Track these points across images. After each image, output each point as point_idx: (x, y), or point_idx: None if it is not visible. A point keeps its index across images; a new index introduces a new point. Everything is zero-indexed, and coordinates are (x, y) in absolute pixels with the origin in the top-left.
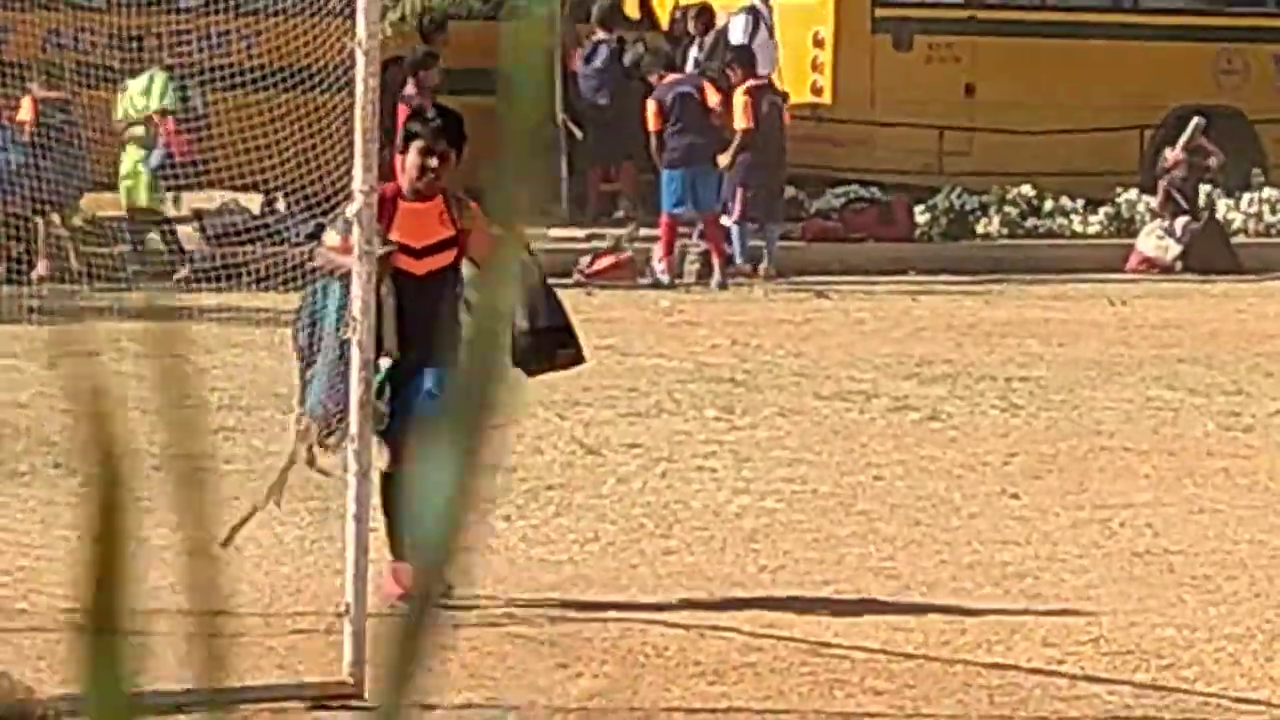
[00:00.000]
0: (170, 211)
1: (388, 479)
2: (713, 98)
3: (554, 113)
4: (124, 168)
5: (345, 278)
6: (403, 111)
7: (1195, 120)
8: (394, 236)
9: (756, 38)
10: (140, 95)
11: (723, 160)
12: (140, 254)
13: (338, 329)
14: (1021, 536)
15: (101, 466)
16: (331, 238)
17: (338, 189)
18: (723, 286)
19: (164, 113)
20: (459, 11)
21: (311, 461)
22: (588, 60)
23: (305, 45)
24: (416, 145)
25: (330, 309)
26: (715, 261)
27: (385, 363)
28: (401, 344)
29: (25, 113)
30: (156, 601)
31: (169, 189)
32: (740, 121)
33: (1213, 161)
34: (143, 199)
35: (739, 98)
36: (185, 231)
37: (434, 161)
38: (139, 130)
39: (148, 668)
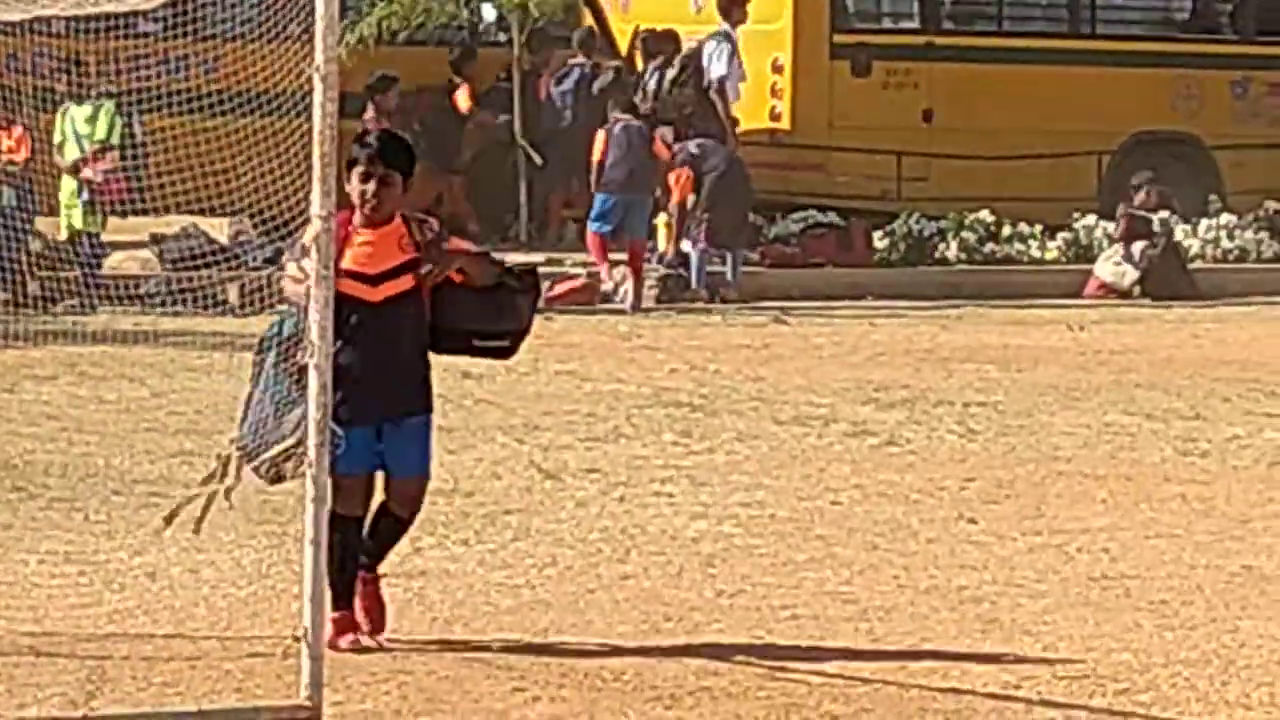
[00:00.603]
0: (105, 237)
1: (336, 521)
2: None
3: (513, 136)
4: (64, 194)
5: (291, 313)
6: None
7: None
8: (345, 264)
9: (731, 65)
10: (85, 123)
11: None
12: (92, 278)
13: (282, 357)
14: (979, 561)
15: None
16: (292, 269)
17: (296, 214)
18: (635, 309)
19: (104, 148)
20: (421, 37)
21: (228, 492)
22: (558, 82)
23: (264, 70)
24: (356, 171)
25: (281, 336)
26: (631, 285)
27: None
28: (360, 377)
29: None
30: (115, 625)
31: (110, 214)
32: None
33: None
34: (78, 223)
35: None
36: (143, 256)
37: (372, 185)
38: (76, 157)
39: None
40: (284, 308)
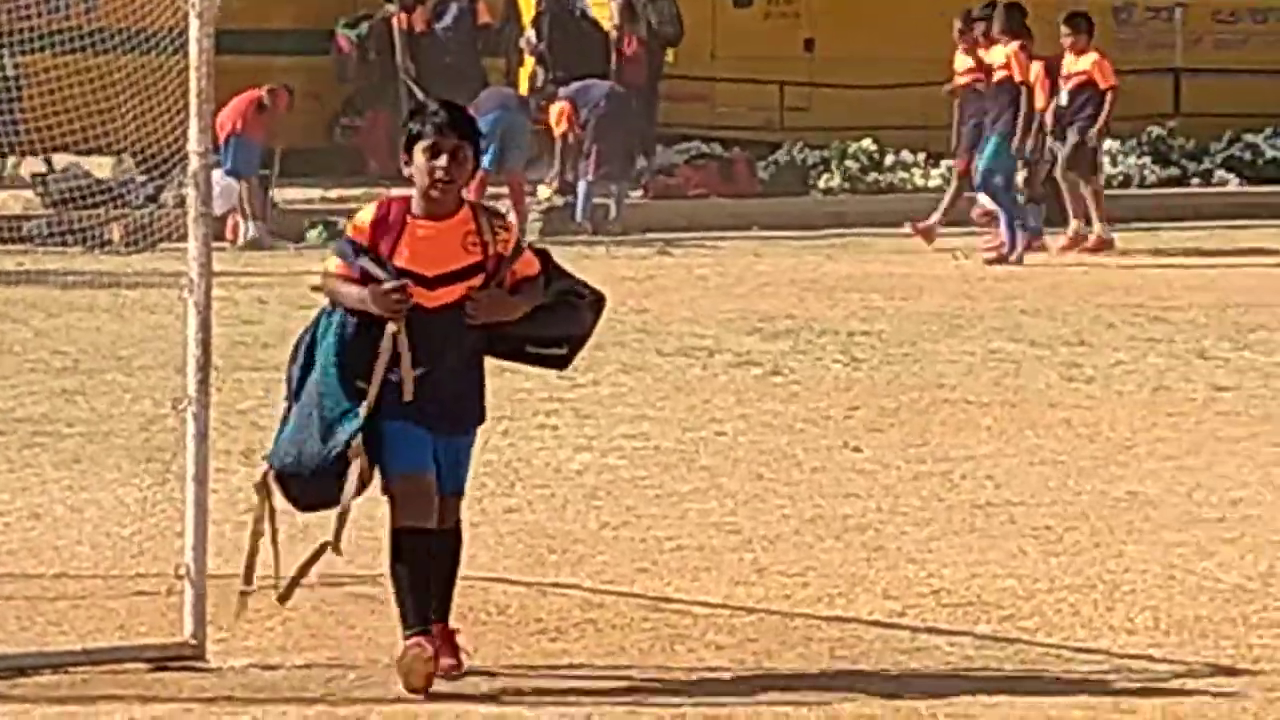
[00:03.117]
0: None
1: (409, 535)
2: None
3: (396, 71)
4: None
5: (350, 314)
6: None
7: None
8: (400, 262)
9: None
10: None
11: None
12: None
13: (325, 375)
14: (863, 490)
15: None
16: (333, 263)
17: (175, 150)
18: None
19: None
20: None
21: (272, 515)
22: (438, 18)
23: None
24: (421, 146)
25: (325, 348)
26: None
27: (362, 410)
28: (418, 393)
29: None
30: None
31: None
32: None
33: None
34: None
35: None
36: (26, 196)
37: (443, 161)
38: None
39: None
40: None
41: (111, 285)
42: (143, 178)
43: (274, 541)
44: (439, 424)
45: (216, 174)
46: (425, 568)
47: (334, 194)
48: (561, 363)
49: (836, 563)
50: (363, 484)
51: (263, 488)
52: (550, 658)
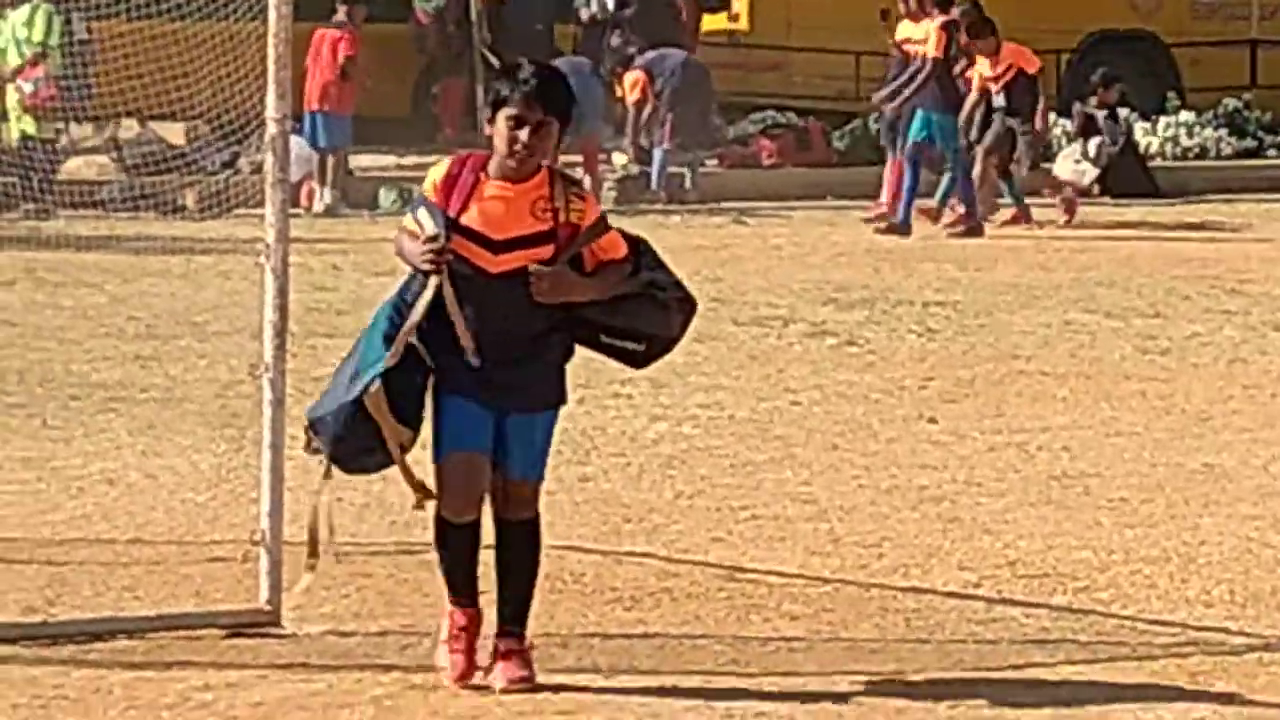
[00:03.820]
0: (62, 142)
1: (446, 529)
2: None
3: (472, 39)
4: (10, 101)
5: (416, 276)
6: (326, 38)
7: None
8: (468, 221)
9: None
10: (22, 26)
11: None
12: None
13: (373, 328)
14: (939, 461)
15: None
16: (408, 219)
17: (252, 117)
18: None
19: (44, 52)
20: None
21: (328, 473)
22: None
23: None
24: (505, 113)
25: (383, 306)
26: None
27: (388, 358)
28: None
29: None
30: (74, 530)
31: (62, 119)
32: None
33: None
34: (32, 129)
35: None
36: (101, 161)
37: (525, 134)
38: (17, 64)
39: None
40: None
41: (186, 251)
42: (219, 143)
43: (327, 510)
44: (505, 400)
45: (293, 140)
46: (466, 556)
47: (409, 161)
48: (638, 360)
49: (912, 533)
50: (399, 445)
51: (309, 447)
52: (625, 626)
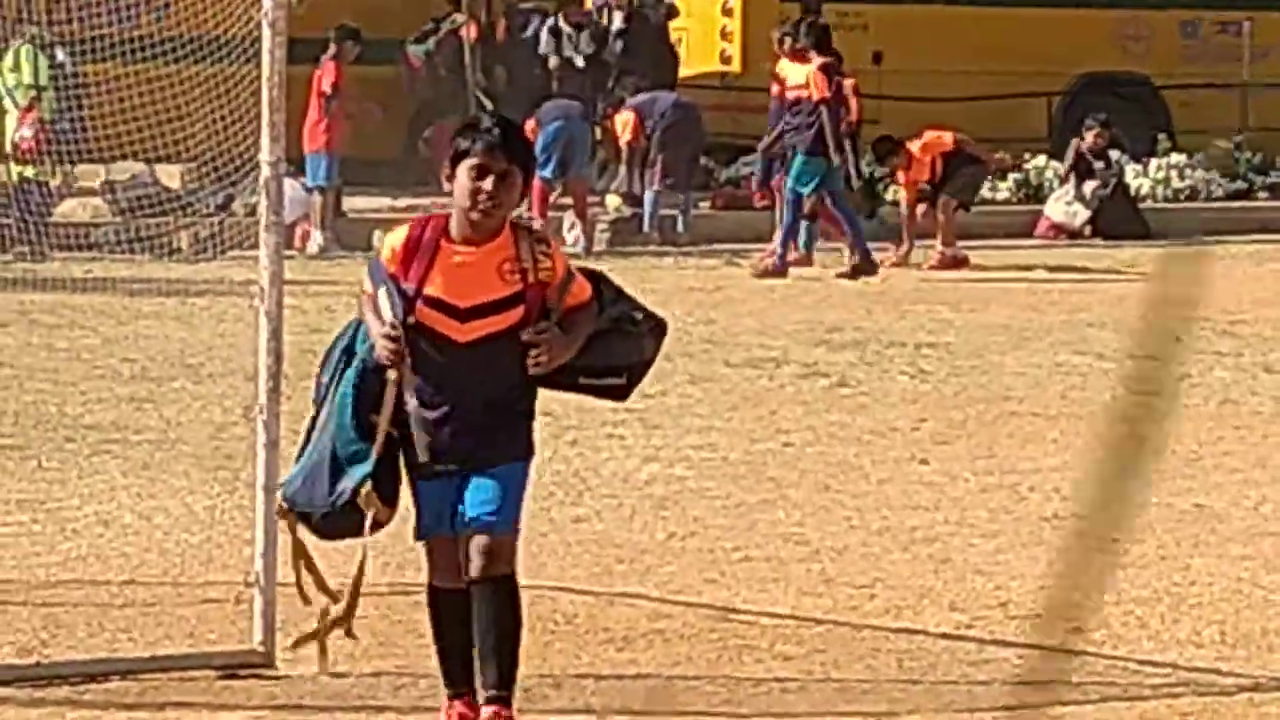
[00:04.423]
0: (56, 182)
1: (436, 594)
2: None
3: (465, 82)
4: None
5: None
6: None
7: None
8: (433, 290)
9: None
10: (10, 73)
11: None
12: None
13: (341, 406)
14: (930, 502)
15: None
16: (366, 281)
17: (245, 159)
18: (587, 251)
19: (38, 95)
20: None
21: (300, 551)
22: (523, 29)
23: (214, 17)
24: (467, 164)
25: (347, 376)
26: (580, 228)
27: (373, 453)
28: (438, 425)
29: None
30: (68, 572)
31: (57, 162)
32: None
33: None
34: (30, 172)
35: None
36: (95, 203)
37: (489, 183)
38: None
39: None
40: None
41: (180, 293)
42: (213, 186)
43: (310, 567)
44: (468, 461)
45: (287, 183)
46: (456, 627)
47: (403, 203)
48: (621, 393)
49: (904, 574)
50: (377, 524)
51: (283, 517)
52: (618, 667)
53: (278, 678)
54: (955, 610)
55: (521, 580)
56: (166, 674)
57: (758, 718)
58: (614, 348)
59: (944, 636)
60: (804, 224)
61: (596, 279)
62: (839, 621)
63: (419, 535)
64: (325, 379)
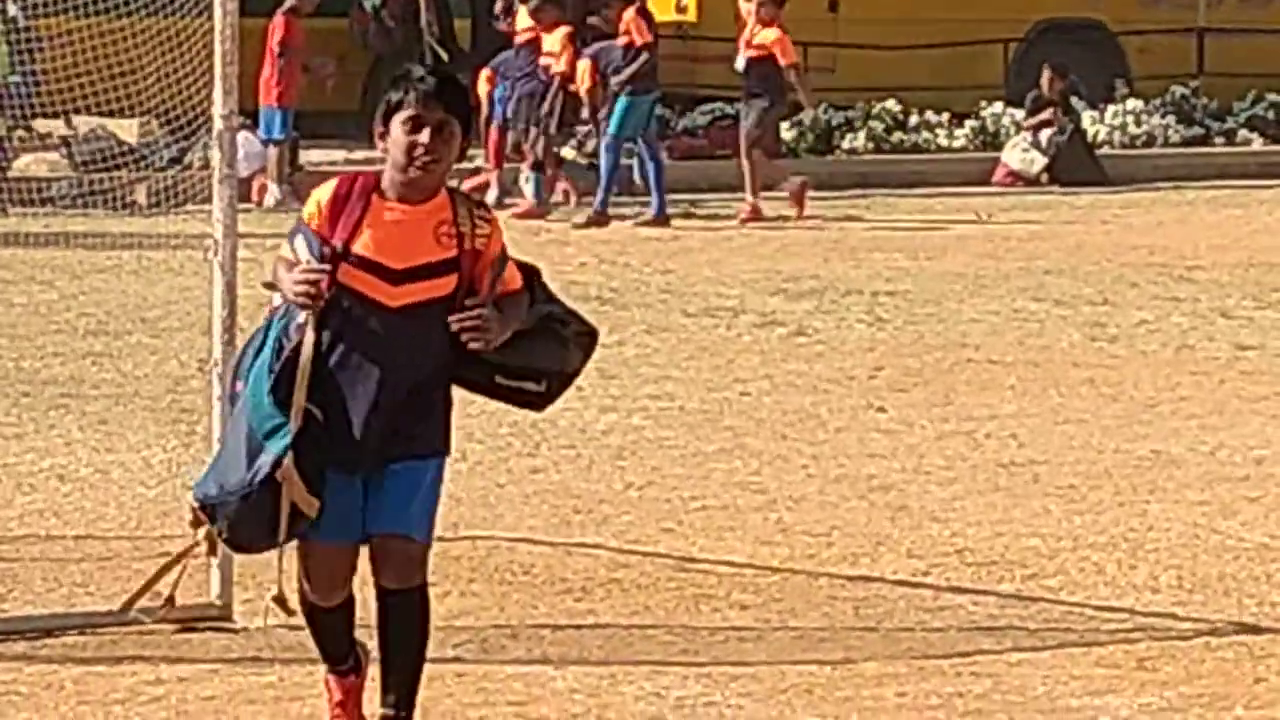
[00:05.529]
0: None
1: (314, 612)
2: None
3: (420, 34)
4: None
5: (287, 315)
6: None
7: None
8: (362, 249)
9: None
10: None
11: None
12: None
13: (256, 385)
14: (887, 449)
15: None
16: (286, 249)
17: (200, 113)
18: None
19: None
20: None
21: (213, 549)
22: None
23: None
24: (401, 117)
25: (262, 356)
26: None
27: (292, 424)
28: (352, 405)
29: None
30: (25, 527)
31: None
32: (640, 37)
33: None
34: None
35: (631, 15)
36: (51, 158)
37: (425, 135)
38: None
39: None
40: (276, 303)
41: (137, 247)
42: (167, 139)
43: (178, 564)
44: (388, 448)
45: (242, 136)
46: (341, 629)
47: (359, 155)
48: (538, 403)
49: (861, 522)
50: (296, 519)
51: (196, 524)
52: (575, 617)
53: (235, 630)
54: (912, 557)
55: (478, 530)
56: (124, 628)
57: (715, 666)
58: (537, 348)
59: (901, 584)
60: (533, 174)
61: (530, 273)
62: (796, 570)
63: (312, 540)
64: (240, 386)
